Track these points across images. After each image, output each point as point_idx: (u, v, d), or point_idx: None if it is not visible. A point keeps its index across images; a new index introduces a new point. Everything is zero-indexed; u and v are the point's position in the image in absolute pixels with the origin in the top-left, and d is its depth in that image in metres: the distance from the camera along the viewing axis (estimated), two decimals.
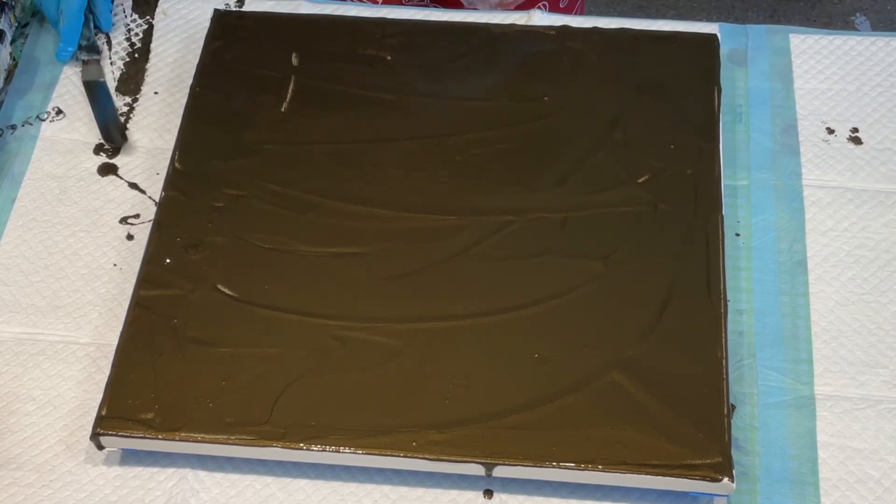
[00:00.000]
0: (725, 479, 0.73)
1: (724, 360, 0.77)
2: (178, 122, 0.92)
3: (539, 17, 0.98)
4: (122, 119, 0.95)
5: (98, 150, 0.94)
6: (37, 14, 1.02)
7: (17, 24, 1.00)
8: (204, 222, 0.85)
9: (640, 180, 0.86)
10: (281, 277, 0.82)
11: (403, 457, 0.74)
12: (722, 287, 0.80)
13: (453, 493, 0.76)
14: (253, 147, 0.89)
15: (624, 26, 0.96)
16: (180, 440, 0.75)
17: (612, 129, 0.89)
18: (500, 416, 0.75)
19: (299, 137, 0.90)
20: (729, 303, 0.81)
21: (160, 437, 0.75)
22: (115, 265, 0.87)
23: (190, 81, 0.93)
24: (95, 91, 0.95)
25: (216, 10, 0.98)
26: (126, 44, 1.00)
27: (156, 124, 0.95)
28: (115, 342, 0.80)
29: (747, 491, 0.76)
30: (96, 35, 1.00)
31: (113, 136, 0.93)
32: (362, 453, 0.74)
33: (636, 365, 0.77)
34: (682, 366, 0.77)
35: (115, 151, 0.93)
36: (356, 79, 0.93)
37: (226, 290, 0.82)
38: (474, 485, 0.76)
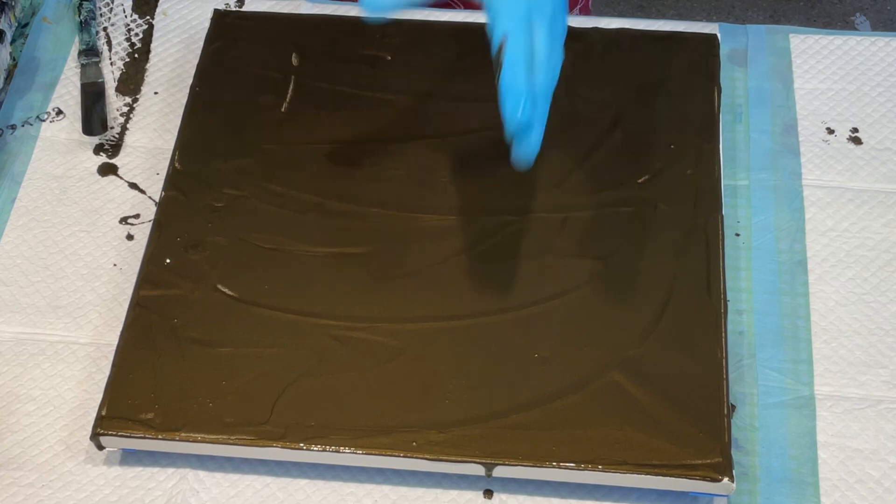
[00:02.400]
0: (725, 479, 0.73)
1: (724, 360, 0.77)
2: (178, 122, 0.92)
3: None
4: (122, 119, 0.95)
5: (98, 150, 0.94)
6: (37, 14, 1.02)
7: (17, 24, 1.00)
8: (204, 222, 0.85)
9: (640, 180, 0.86)
10: (281, 277, 0.82)
11: (403, 457, 0.74)
12: (722, 287, 0.80)
13: (453, 493, 0.76)
14: (253, 147, 0.89)
15: (624, 26, 0.96)
16: (180, 440, 0.75)
17: (612, 129, 0.89)
18: (500, 416, 0.75)
19: (299, 137, 0.90)
20: (729, 303, 0.81)
21: (160, 437, 0.75)
22: (115, 265, 0.87)
23: (190, 81, 0.93)
24: (93, 94, 0.95)
25: (216, 10, 0.98)
26: (126, 44, 1.00)
27: (156, 124, 0.95)
28: (115, 342, 0.80)
29: (747, 491, 0.76)
30: (96, 37, 1.00)
31: (94, 128, 0.93)
32: (362, 453, 0.74)
33: (636, 365, 0.77)
34: (682, 366, 0.77)
35: (114, 151, 0.93)
36: (356, 79, 0.93)
37: (226, 290, 0.82)
38: (474, 485, 0.76)
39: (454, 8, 1.03)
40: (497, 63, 0.71)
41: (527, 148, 0.72)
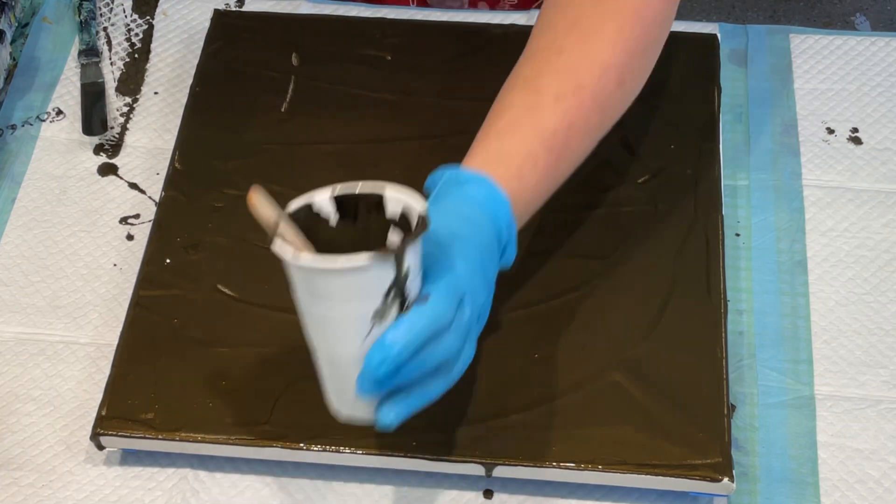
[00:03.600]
0: (725, 479, 0.73)
1: (724, 360, 0.77)
2: (178, 122, 0.92)
3: None
4: (122, 119, 0.95)
5: (98, 150, 0.94)
6: (37, 14, 1.02)
7: (17, 24, 1.00)
8: (204, 222, 0.85)
9: (640, 180, 0.86)
10: (281, 277, 0.82)
11: (403, 457, 0.74)
12: (722, 287, 0.80)
13: (453, 493, 0.76)
14: (253, 147, 0.89)
15: None
16: (180, 440, 0.75)
17: (613, 129, 0.89)
18: (500, 416, 0.75)
19: (299, 137, 0.90)
20: (729, 303, 0.81)
21: (160, 437, 0.75)
22: (115, 265, 0.87)
23: (190, 81, 0.93)
24: (93, 94, 0.95)
25: (216, 10, 0.98)
26: (126, 44, 1.00)
27: (156, 124, 0.95)
28: (115, 342, 0.80)
29: (747, 491, 0.76)
30: (96, 37, 1.00)
31: (94, 128, 0.93)
32: (362, 453, 0.74)
33: (636, 365, 0.77)
34: (682, 366, 0.77)
35: (114, 151, 0.93)
36: (356, 79, 0.93)
37: (226, 290, 0.82)
38: (474, 485, 0.76)
39: (454, 7, 1.03)
40: (407, 305, 0.63)
41: (387, 414, 0.65)
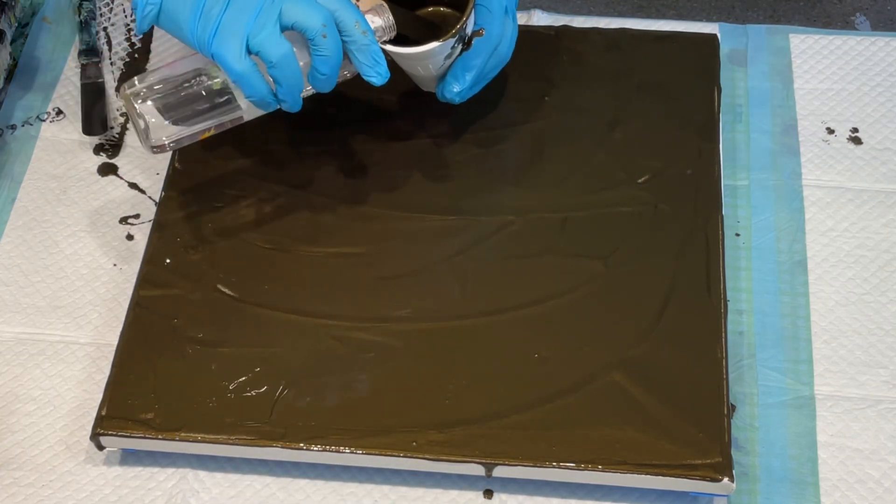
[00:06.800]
0: (725, 479, 0.73)
1: (724, 360, 0.77)
2: None
3: (539, 17, 0.99)
4: (123, 119, 0.95)
5: (98, 150, 0.94)
6: (37, 14, 1.02)
7: (17, 24, 1.00)
8: (204, 222, 0.85)
9: (640, 180, 0.86)
10: (281, 277, 0.82)
11: (403, 457, 0.74)
12: (722, 287, 0.80)
13: (453, 493, 0.76)
14: (253, 147, 0.89)
15: (624, 26, 0.96)
16: (180, 440, 0.75)
17: (612, 129, 0.89)
18: (500, 416, 0.75)
19: (299, 138, 0.90)
20: (729, 303, 0.81)
21: (160, 437, 0.75)
22: (115, 265, 0.87)
23: None
24: (93, 94, 0.95)
25: None
26: (126, 44, 1.00)
27: None
28: (115, 342, 0.80)
29: (747, 491, 0.76)
30: (96, 37, 1.00)
31: (94, 128, 0.93)
32: (362, 453, 0.74)
33: (636, 365, 0.77)
34: (682, 366, 0.77)
35: (114, 151, 0.93)
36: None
37: (226, 290, 0.82)
38: (474, 485, 0.76)
39: None
40: (468, 43, 0.83)
41: (454, 100, 0.86)
